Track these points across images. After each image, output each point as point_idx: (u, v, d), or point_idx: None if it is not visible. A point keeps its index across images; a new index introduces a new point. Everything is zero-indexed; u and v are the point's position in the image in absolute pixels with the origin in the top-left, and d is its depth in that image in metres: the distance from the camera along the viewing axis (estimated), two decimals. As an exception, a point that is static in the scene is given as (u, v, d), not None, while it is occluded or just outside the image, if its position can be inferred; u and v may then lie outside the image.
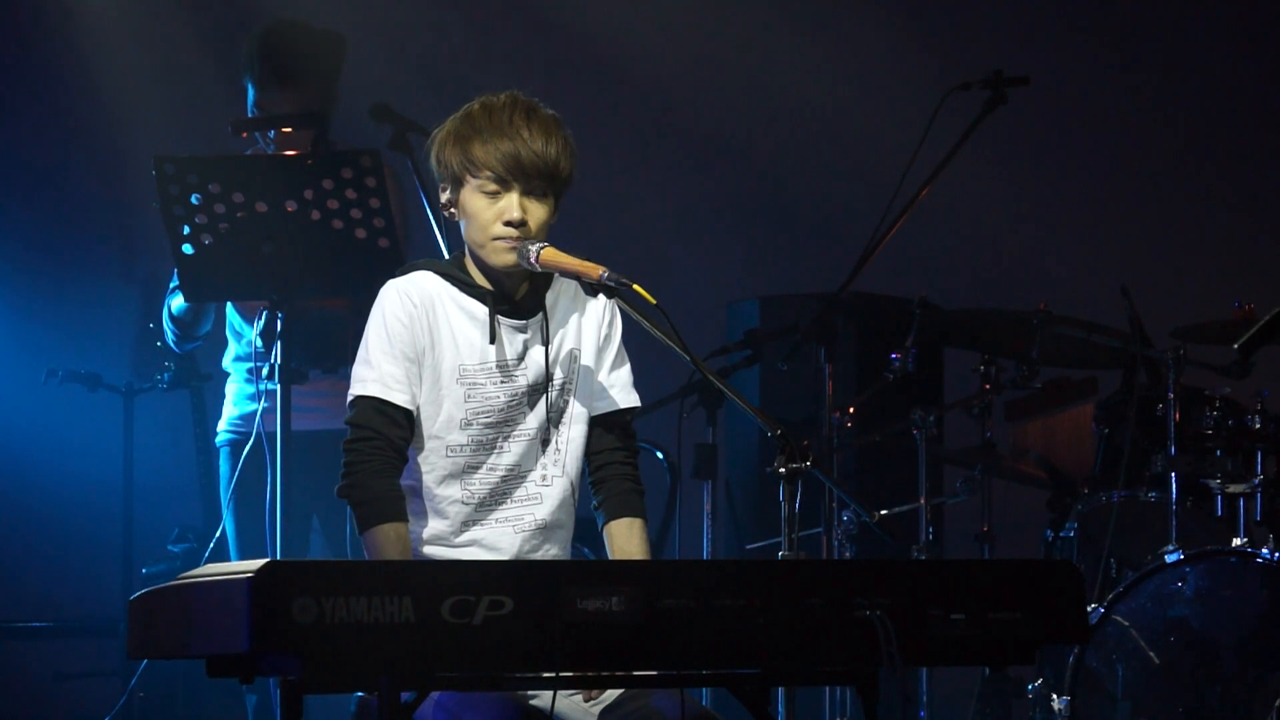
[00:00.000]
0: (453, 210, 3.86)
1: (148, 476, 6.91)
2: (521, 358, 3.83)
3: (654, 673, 3.40)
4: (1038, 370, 6.19)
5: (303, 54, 5.38)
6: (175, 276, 5.23)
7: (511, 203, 3.77)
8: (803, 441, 3.62)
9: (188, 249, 4.88)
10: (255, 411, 5.14)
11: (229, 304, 5.41)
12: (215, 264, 4.89)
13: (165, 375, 6.43)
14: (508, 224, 3.77)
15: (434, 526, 3.81)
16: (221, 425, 5.46)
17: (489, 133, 3.77)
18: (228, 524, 5.32)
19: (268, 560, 2.99)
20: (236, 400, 5.41)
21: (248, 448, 5.04)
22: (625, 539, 3.89)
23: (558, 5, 8.03)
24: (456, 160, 3.80)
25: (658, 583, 3.13)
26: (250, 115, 5.38)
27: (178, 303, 5.32)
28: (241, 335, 5.40)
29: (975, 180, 7.18)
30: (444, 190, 3.86)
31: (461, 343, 3.81)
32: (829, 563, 5.01)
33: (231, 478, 5.28)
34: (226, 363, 5.48)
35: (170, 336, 5.41)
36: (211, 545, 5.36)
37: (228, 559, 5.29)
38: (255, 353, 4.99)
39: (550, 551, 3.85)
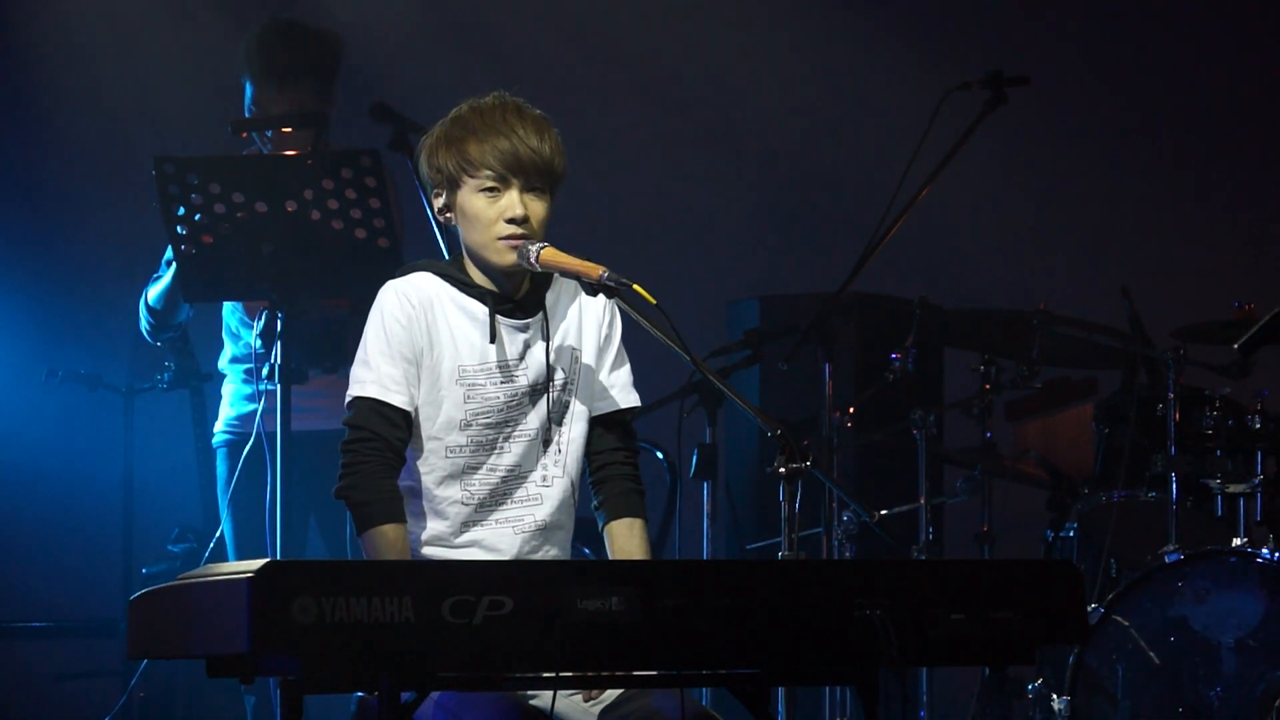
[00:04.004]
0: (449, 215, 3.85)
1: (148, 476, 6.91)
2: (522, 357, 3.83)
3: (654, 673, 3.40)
4: (1038, 370, 6.19)
5: (301, 53, 5.38)
6: (163, 267, 5.23)
7: (513, 200, 3.78)
8: (803, 441, 3.62)
9: (188, 249, 4.88)
10: (253, 412, 5.14)
11: (226, 305, 5.41)
12: (215, 264, 4.89)
13: (165, 375, 6.42)
14: (510, 221, 3.77)
15: (433, 528, 3.81)
16: (218, 426, 5.45)
17: (483, 132, 3.77)
18: (225, 525, 5.32)
19: (268, 560, 2.99)
20: (234, 401, 5.41)
21: (247, 448, 5.04)
22: (625, 539, 3.89)
23: (557, 5, 8.03)
24: (452, 163, 3.80)
25: (658, 583, 3.13)
26: (248, 114, 5.38)
27: (155, 292, 5.31)
28: (239, 337, 5.39)
29: (975, 180, 7.17)
30: (438, 196, 3.86)
31: (461, 343, 3.81)
32: (829, 563, 5.01)
33: (230, 478, 5.28)
34: (223, 364, 5.48)
35: (145, 326, 5.40)
36: (211, 545, 5.36)
37: (226, 559, 5.29)
38: (255, 353, 4.99)
39: (550, 552, 3.85)
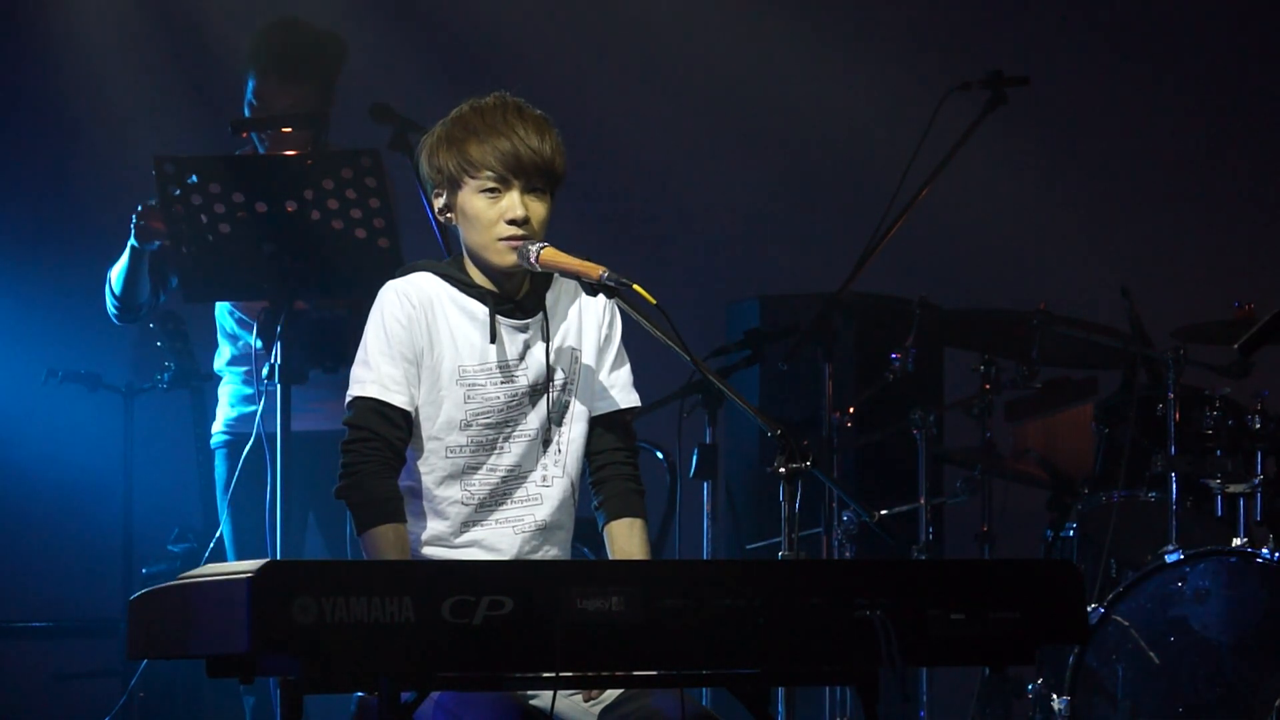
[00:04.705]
0: (449, 215, 3.85)
1: (148, 476, 6.91)
2: (522, 357, 3.83)
3: (654, 673, 3.40)
4: (1038, 370, 6.19)
5: (308, 50, 5.40)
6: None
7: (513, 201, 3.78)
8: (803, 441, 3.62)
9: (187, 249, 4.88)
10: (251, 413, 5.15)
11: (219, 308, 5.41)
12: (215, 264, 4.89)
13: (165, 375, 6.43)
14: (511, 222, 3.77)
15: (433, 527, 3.81)
16: (217, 427, 5.45)
17: (484, 132, 3.77)
18: (224, 525, 5.31)
19: (268, 560, 2.99)
20: (232, 402, 5.41)
21: (247, 448, 5.03)
22: (625, 539, 3.89)
23: (557, 5, 8.03)
24: (453, 163, 3.80)
25: (658, 583, 3.13)
26: (247, 109, 5.38)
27: (115, 274, 5.33)
28: (237, 338, 5.39)
29: (975, 180, 7.18)
30: (439, 196, 3.86)
31: (461, 343, 3.81)
32: (829, 563, 5.01)
33: (228, 478, 5.28)
34: (219, 365, 5.47)
35: (111, 309, 5.42)
36: (211, 545, 5.36)
37: (226, 560, 5.29)
38: (255, 353, 4.98)
39: (550, 552, 3.85)
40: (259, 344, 4.96)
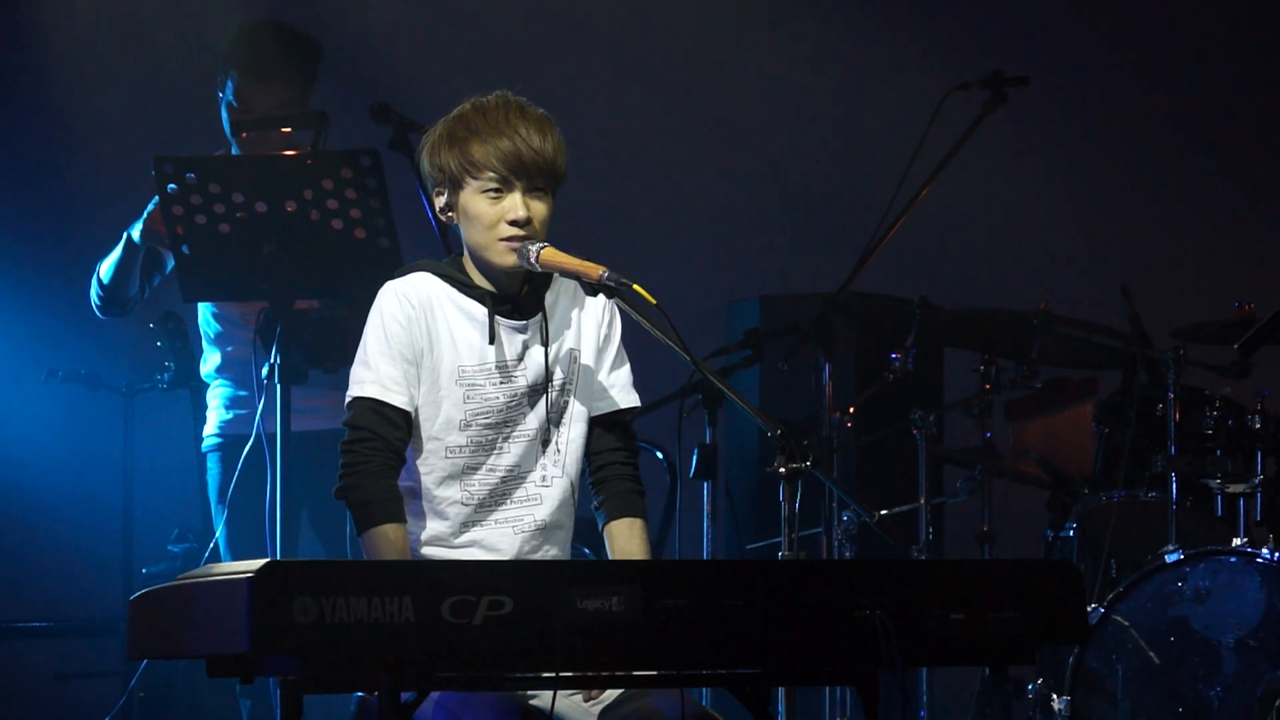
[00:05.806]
0: (451, 214, 3.86)
1: (148, 476, 6.90)
2: (521, 358, 3.83)
3: (654, 673, 3.40)
4: (1038, 370, 6.20)
5: (288, 49, 5.39)
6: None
7: (515, 202, 3.78)
8: (803, 441, 3.62)
9: (187, 249, 4.88)
10: (243, 415, 5.15)
11: (204, 312, 5.40)
12: (215, 264, 4.89)
13: (165, 375, 6.42)
14: (513, 223, 3.77)
15: (433, 528, 3.81)
16: (209, 430, 5.42)
17: (486, 132, 3.77)
18: (219, 527, 5.30)
19: (268, 560, 2.99)
20: (224, 404, 5.39)
21: (247, 447, 5.02)
22: (626, 539, 3.89)
23: (558, 4, 8.03)
24: (455, 163, 3.80)
25: (658, 583, 3.13)
26: (226, 107, 5.36)
27: (106, 267, 5.33)
28: (227, 343, 5.37)
29: (975, 180, 7.17)
30: (440, 195, 3.86)
31: (460, 344, 3.81)
32: (829, 563, 5.01)
33: (222, 480, 5.27)
34: (207, 372, 5.46)
35: (95, 300, 5.42)
36: (211, 545, 5.36)
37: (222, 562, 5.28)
38: (254, 352, 4.98)
39: (550, 552, 3.85)
40: (258, 344, 4.96)
